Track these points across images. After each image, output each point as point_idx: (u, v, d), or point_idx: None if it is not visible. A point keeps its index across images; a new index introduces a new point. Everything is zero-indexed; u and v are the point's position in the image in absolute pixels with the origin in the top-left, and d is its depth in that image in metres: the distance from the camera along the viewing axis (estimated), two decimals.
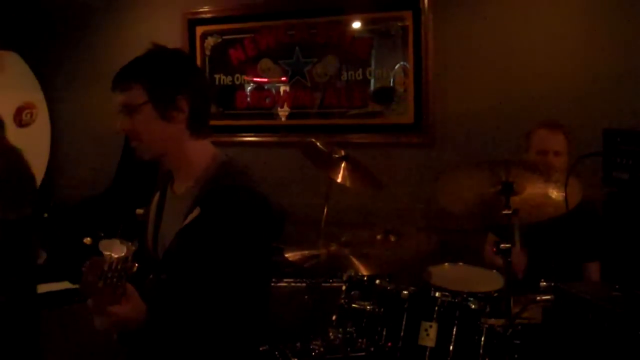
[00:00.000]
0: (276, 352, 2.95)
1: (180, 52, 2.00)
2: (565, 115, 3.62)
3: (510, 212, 2.57)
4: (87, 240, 4.08)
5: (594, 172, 2.11)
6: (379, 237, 3.21)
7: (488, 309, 2.64)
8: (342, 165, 3.25)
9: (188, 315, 1.73)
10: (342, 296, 2.94)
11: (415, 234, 3.36)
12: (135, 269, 1.58)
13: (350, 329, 2.82)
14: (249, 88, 4.76)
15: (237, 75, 4.76)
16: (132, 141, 1.88)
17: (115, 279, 1.53)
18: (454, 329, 2.60)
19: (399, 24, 4.28)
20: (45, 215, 4.70)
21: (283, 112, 4.69)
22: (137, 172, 4.46)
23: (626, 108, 3.66)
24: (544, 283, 2.61)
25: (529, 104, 3.89)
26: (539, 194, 2.64)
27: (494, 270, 3.05)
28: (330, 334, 2.83)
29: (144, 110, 1.83)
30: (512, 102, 3.96)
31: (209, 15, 4.77)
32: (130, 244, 1.55)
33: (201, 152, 1.92)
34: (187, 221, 1.81)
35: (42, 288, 3.57)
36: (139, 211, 3.98)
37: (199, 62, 4.74)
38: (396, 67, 4.32)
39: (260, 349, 2.58)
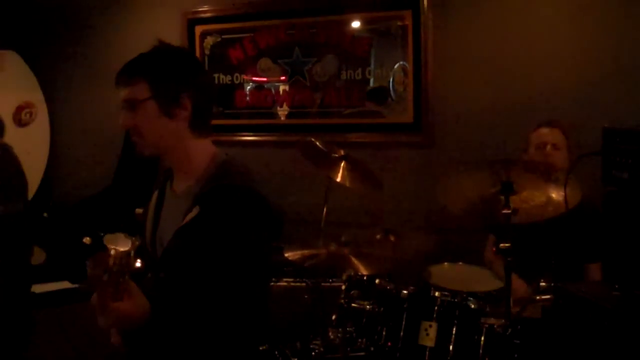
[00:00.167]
0: (276, 352, 2.95)
1: (185, 50, 2.00)
2: (565, 114, 3.62)
3: (509, 211, 2.57)
4: (87, 239, 4.08)
5: (594, 171, 2.11)
6: (378, 236, 3.21)
7: (488, 309, 2.64)
8: (342, 164, 3.25)
9: (187, 314, 1.73)
10: (342, 296, 2.93)
11: (415, 233, 3.37)
12: (139, 264, 1.57)
13: (350, 329, 2.81)
14: (249, 87, 4.76)
15: (237, 74, 4.76)
16: (134, 137, 1.88)
17: (118, 273, 1.53)
18: (454, 329, 2.60)
19: (399, 23, 4.27)
20: (45, 214, 4.71)
21: (282, 111, 4.69)
22: (136, 171, 4.46)
23: (626, 107, 3.66)
24: (544, 283, 2.62)
25: (528, 103, 3.89)
26: (539, 194, 2.64)
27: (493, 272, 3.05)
28: (330, 333, 2.83)
29: (146, 106, 1.83)
30: (511, 101, 3.96)
31: (208, 15, 4.77)
32: (134, 238, 1.55)
33: (202, 151, 1.93)
34: (186, 220, 1.81)
35: (42, 288, 3.58)
36: (139, 210, 3.99)
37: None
38: (396, 66, 4.32)
39: (260, 348, 2.57)
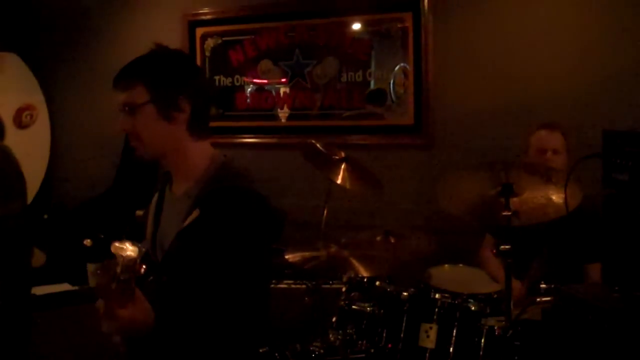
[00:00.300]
0: (276, 354, 2.95)
1: (182, 53, 2.00)
2: (565, 116, 3.62)
3: (510, 213, 2.56)
4: (87, 241, 4.09)
5: (594, 173, 2.11)
6: (379, 238, 3.21)
7: (488, 311, 2.64)
8: (342, 166, 3.25)
9: (189, 317, 1.73)
10: (342, 298, 2.94)
11: (415, 235, 3.36)
12: (142, 270, 1.58)
13: (351, 331, 2.82)
14: (249, 89, 4.76)
15: (237, 76, 4.76)
16: (133, 141, 1.88)
17: (126, 281, 1.53)
18: (454, 331, 2.60)
19: (399, 25, 4.28)
20: (45, 216, 4.71)
21: (283, 113, 4.69)
22: (137, 173, 4.47)
23: (626, 109, 3.66)
24: (544, 285, 2.62)
25: (529, 105, 3.89)
26: (539, 196, 2.64)
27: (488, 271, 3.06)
28: (330, 335, 2.83)
29: (145, 110, 1.82)
30: (512, 103, 3.96)
31: (209, 17, 4.77)
32: (140, 245, 1.56)
33: (201, 153, 1.92)
34: (186, 223, 1.81)
35: (42, 290, 3.57)
36: (139, 212, 4.00)
37: (199, 63, 4.73)
38: (396, 68, 4.32)
39: (260, 350, 2.58)
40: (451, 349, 2.58)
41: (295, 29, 4.55)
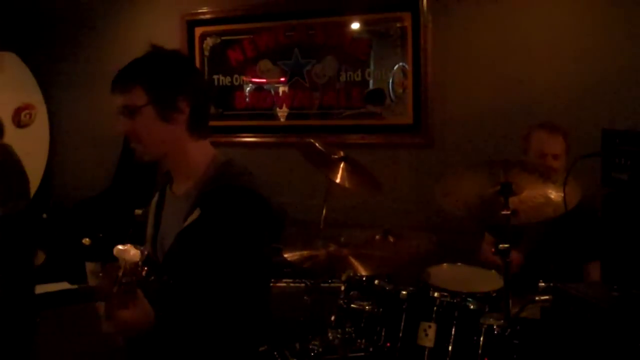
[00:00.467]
0: (275, 353, 2.95)
1: (179, 54, 2.00)
2: (564, 115, 3.63)
3: (509, 212, 2.56)
4: (86, 241, 4.09)
5: (593, 172, 2.11)
6: (377, 237, 3.21)
7: (487, 309, 2.64)
8: (341, 165, 3.25)
9: (190, 316, 1.73)
10: (341, 296, 2.93)
11: (414, 234, 3.36)
12: (144, 273, 1.58)
13: (349, 329, 2.81)
14: (248, 89, 4.77)
15: (236, 76, 4.76)
16: (133, 143, 1.88)
17: (128, 284, 1.54)
18: (453, 329, 2.60)
19: (398, 25, 4.28)
20: (44, 215, 4.71)
21: (282, 112, 4.69)
22: (136, 173, 4.48)
23: (625, 108, 3.67)
24: (543, 283, 2.62)
25: (527, 104, 3.89)
26: (538, 195, 2.64)
27: (493, 271, 3.05)
28: (329, 334, 2.82)
29: (144, 112, 1.83)
30: (511, 102, 3.97)
31: (208, 16, 4.78)
32: (142, 248, 1.56)
33: (201, 153, 1.93)
34: (187, 222, 1.81)
35: (41, 288, 3.57)
36: (138, 212, 4.00)
37: (198, 63, 4.74)
38: (395, 68, 4.33)
39: (260, 349, 2.57)
40: (450, 348, 2.58)
41: (294, 28, 4.56)
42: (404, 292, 2.72)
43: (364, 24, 4.40)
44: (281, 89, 4.67)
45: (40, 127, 5.24)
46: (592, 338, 1.96)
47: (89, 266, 3.99)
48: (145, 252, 1.57)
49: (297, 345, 3.00)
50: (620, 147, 1.95)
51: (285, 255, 2.99)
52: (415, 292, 2.73)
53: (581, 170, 2.25)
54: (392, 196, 4.16)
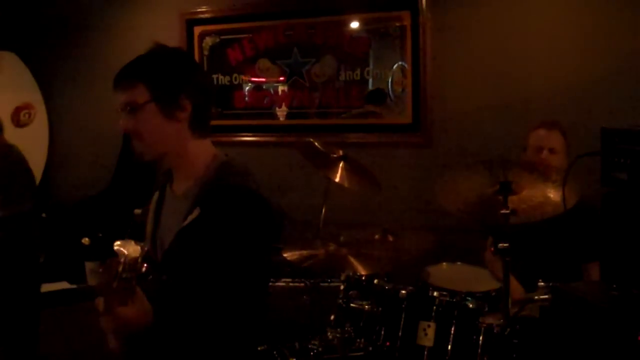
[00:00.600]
0: (275, 352, 2.95)
1: (181, 51, 2.00)
2: (563, 114, 3.62)
3: (508, 211, 2.56)
4: (85, 240, 4.09)
5: (593, 171, 2.11)
6: (377, 236, 3.21)
7: (486, 309, 2.64)
8: (341, 165, 3.25)
9: (188, 315, 1.73)
10: (341, 296, 2.94)
11: (414, 233, 3.37)
12: (144, 269, 1.58)
13: (349, 329, 2.82)
14: (247, 88, 4.77)
15: (235, 75, 4.76)
16: (134, 141, 1.87)
17: (127, 280, 1.54)
18: (452, 329, 2.60)
19: (397, 24, 4.28)
20: (43, 215, 4.70)
21: (281, 112, 4.69)
22: (135, 172, 4.47)
23: (625, 107, 3.67)
24: (542, 283, 2.62)
25: (527, 104, 3.90)
26: (537, 194, 2.64)
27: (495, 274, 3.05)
28: (329, 333, 2.83)
29: (147, 109, 1.82)
30: (510, 101, 3.97)
31: (207, 16, 4.77)
32: (142, 244, 1.56)
33: (202, 151, 1.92)
34: (187, 221, 1.81)
35: (41, 288, 3.57)
36: (137, 211, 4.00)
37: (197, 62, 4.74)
38: (394, 67, 4.33)
39: (259, 348, 2.58)
40: (449, 347, 2.58)
41: (293, 27, 4.55)
42: (403, 292, 2.72)
43: (363, 23, 4.40)
44: (280, 88, 4.67)
45: (40, 126, 5.23)
46: (591, 337, 1.96)
47: (89, 266, 3.99)
48: (145, 248, 1.56)
49: (297, 345, 3.00)
50: (620, 146, 1.94)
51: (285, 255, 2.99)
52: (415, 291, 2.74)
53: (580, 170, 2.25)
54: (391, 195, 4.16)
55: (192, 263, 1.77)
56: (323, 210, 3.32)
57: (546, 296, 2.49)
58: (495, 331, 2.54)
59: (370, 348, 2.75)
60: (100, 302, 1.59)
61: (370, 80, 4.41)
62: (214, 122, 1.98)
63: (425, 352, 2.60)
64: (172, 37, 4.66)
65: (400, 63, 4.30)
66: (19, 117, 5.10)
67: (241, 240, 1.77)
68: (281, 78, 4.65)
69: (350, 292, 2.94)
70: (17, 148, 3.07)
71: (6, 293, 2.95)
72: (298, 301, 3.33)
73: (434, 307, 2.64)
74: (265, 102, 4.71)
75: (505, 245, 2.51)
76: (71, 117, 5.32)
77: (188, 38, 4.80)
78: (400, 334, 2.67)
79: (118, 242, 1.54)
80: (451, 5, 4.12)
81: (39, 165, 5.13)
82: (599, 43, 3.78)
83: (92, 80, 5.04)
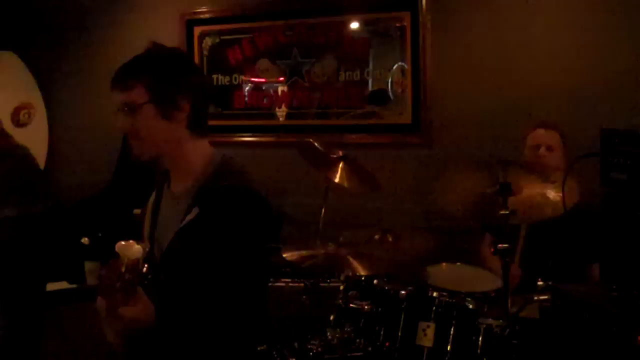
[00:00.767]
0: (274, 352, 2.95)
1: (179, 51, 2.00)
2: (563, 115, 3.63)
3: (507, 212, 2.57)
4: (85, 240, 4.09)
5: (592, 172, 2.11)
6: (376, 237, 3.21)
7: (486, 309, 2.64)
8: (340, 165, 3.26)
9: (187, 315, 1.73)
10: (340, 296, 2.94)
11: (413, 234, 3.37)
12: (145, 270, 1.59)
13: (348, 329, 2.82)
14: (247, 88, 4.76)
15: (235, 75, 4.76)
16: (132, 140, 1.87)
17: (130, 280, 1.54)
18: (452, 329, 2.60)
19: (397, 24, 4.28)
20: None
21: (281, 112, 4.69)
22: (135, 172, 4.46)
23: (624, 108, 3.67)
24: (541, 283, 2.62)
25: (527, 104, 3.89)
26: (537, 195, 2.64)
27: (490, 270, 3.05)
28: (328, 333, 2.83)
29: (145, 109, 1.82)
30: (509, 102, 3.97)
31: (207, 16, 4.77)
32: (144, 245, 1.57)
33: (200, 151, 1.92)
34: (185, 221, 1.81)
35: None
36: (137, 211, 3.99)
37: (197, 62, 4.73)
38: (394, 67, 4.33)
39: (258, 348, 2.57)
40: (449, 348, 2.58)
41: (293, 27, 4.55)
42: (402, 292, 2.72)
43: (363, 23, 4.40)
44: (280, 89, 4.66)
45: (39, 126, 5.23)
46: (590, 338, 1.96)
47: (88, 265, 3.99)
48: (147, 249, 1.57)
49: (296, 345, 3.00)
50: (619, 147, 1.95)
51: (284, 255, 2.99)
52: (414, 291, 2.74)
53: (580, 171, 2.26)
54: (390, 196, 4.16)
55: (191, 263, 1.77)
56: (323, 211, 3.33)
57: (546, 296, 2.49)
58: (494, 331, 2.54)
59: (370, 348, 2.75)
60: (101, 303, 1.59)
61: (370, 81, 4.41)
62: (214, 123, 1.99)
63: (425, 353, 2.60)
64: (172, 37, 4.66)
65: (400, 63, 4.30)
66: (19, 116, 5.09)
67: (240, 240, 1.77)
68: (281, 78, 4.65)
69: (350, 292, 2.94)
70: (28, 150, 3.10)
71: (13, 293, 2.97)
72: (297, 301, 3.32)
73: (434, 308, 2.64)
74: (265, 102, 4.71)
75: (505, 245, 2.51)
76: (71, 117, 5.31)
77: (188, 38, 4.79)
78: (399, 334, 2.67)
79: (120, 243, 1.54)
80: (451, 6, 4.12)
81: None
82: (599, 44, 3.78)
83: (92, 79, 5.03)
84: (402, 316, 2.68)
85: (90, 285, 3.94)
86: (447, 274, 3.11)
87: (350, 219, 4.23)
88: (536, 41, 3.91)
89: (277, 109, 4.70)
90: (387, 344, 2.71)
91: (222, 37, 4.77)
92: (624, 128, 2.00)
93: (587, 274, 3.07)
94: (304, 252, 3.03)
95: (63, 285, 3.94)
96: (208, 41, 4.80)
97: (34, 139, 5.13)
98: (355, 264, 2.93)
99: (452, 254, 3.37)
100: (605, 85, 3.74)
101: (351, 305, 2.87)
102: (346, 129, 4.46)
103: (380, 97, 4.37)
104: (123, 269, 1.53)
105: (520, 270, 3.00)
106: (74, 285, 3.98)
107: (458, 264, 3.28)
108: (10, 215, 2.86)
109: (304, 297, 3.30)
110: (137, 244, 1.56)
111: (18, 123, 5.05)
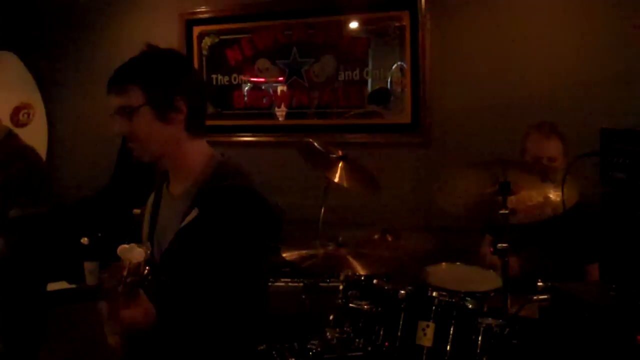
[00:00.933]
0: (274, 352, 2.95)
1: (175, 52, 1.99)
2: (562, 114, 3.62)
3: (507, 212, 2.57)
4: (84, 240, 4.08)
5: (592, 172, 2.11)
6: (376, 236, 3.21)
7: (485, 309, 2.64)
8: (340, 165, 3.25)
9: (188, 316, 1.73)
10: (340, 296, 2.93)
11: (413, 233, 3.37)
12: (146, 272, 1.59)
13: (348, 329, 2.82)
14: (246, 88, 4.76)
15: (234, 75, 4.76)
16: (130, 143, 1.87)
17: (132, 284, 1.54)
18: (451, 329, 2.60)
19: (396, 24, 4.28)
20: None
21: (280, 112, 4.69)
22: (134, 172, 4.46)
23: (624, 108, 3.66)
24: (541, 283, 2.62)
25: (526, 104, 3.89)
26: (536, 194, 2.64)
27: (491, 270, 3.05)
28: (328, 333, 2.83)
29: (142, 112, 1.82)
30: (509, 102, 3.97)
31: (206, 16, 4.77)
32: (145, 247, 1.56)
33: (199, 152, 1.92)
34: (185, 222, 1.81)
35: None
36: (136, 211, 4.00)
37: (196, 62, 4.74)
38: (393, 67, 4.33)
39: (258, 348, 2.57)
40: (448, 347, 2.58)
41: (292, 27, 4.55)
42: (402, 292, 2.72)
43: (362, 23, 4.40)
44: (279, 88, 4.66)
45: (39, 126, 5.23)
46: (590, 337, 1.96)
47: (88, 266, 3.99)
48: (149, 252, 1.57)
49: (296, 345, 3.00)
50: (619, 147, 1.95)
51: (284, 255, 2.99)
52: (414, 291, 2.74)
53: (579, 170, 2.26)
54: (390, 195, 4.15)
55: (192, 264, 1.77)
56: (322, 210, 3.32)
57: (545, 296, 2.49)
58: (494, 331, 2.54)
59: (369, 348, 2.75)
60: (104, 306, 1.59)
61: (370, 80, 4.41)
62: (213, 123, 1.99)
63: (424, 352, 2.59)
64: (171, 37, 4.65)
65: (399, 63, 4.30)
66: (18, 116, 5.09)
67: (240, 240, 1.77)
68: (280, 78, 4.65)
69: (350, 292, 2.94)
70: (34, 149, 3.11)
71: (14, 293, 2.98)
72: (297, 301, 3.32)
73: (433, 307, 2.64)
74: (264, 102, 4.71)
75: (504, 245, 2.52)
76: (70, 117, 5.31)
77: (187, 38, 4.79)
78: (399, 334, 2.67)
79: (123, 246, 1.54)
80: (450, 5, 4.12)
81: None
82: (598, 43, 3.77)
83: (91, 79, 5.03)
84: (402, 316, 2.68)
85: (89, 285, 3.94)
86: (446, 274, 3.11)
87: (350, 218, 4.23)
88: (536, 40, 3.91)
89: (276, 109, 4.70)
90: (386, 343, 2.71)
91: (221, 37, 4.77)
92: (624, 127, 2.00)
93: (585, 273, 3.07)
94: (303, 252, 3.02)
95: (62, 285, 3.94)
96: (207, 41, 4.80)
97: (34, 139, 5.09)
98: (355, 263, 2.92)
99: (451, 253, 3.36)
100: (605, 84, 3.74)
101: (351, 305, 2.87)
102: (345, 128, 4.46)
103: (381, 95, 4.37)
104: (125, 273, 1.53)
105: (520, 260, 2.99)
106: (73, 285, 3.98)
107: (458, 263, 3.28)
108: (17, 215, 2.88)
109: (303, 296, 3.29)
110: (139, 246, 1.56)
111: (18, 123, 5.05)
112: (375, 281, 2.91)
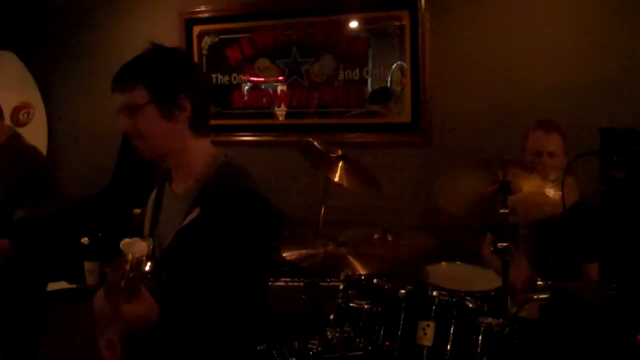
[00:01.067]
0: (274, 352, 2.94)
1: (179, 51, 2.00)
2: (562, 114, 3.62)
3: (507, 211, 2.56)
4: (85, 240, 4.09)
5: (591, 171, 2.11)
6: (376, 236, 3.21)
7: (486, 308, 2.64)
8: (340, 164, 3.26)
9: (188, 314, 1.73)
10: (340, 295, 2.93)
11: (413, 233, 3.37)
12: (149, 267, 1.58)
13: (348, 328, 2.81)
14: (246, 87, 4.76)
15: (234, 74, 4.76)
16: (135, 140, 1.87)
17: (134, 278, 1.54)
18: (452, 328, 2.60)
19: (396, 23, 4.28)
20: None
21: (280, 111, 4.69)
22: (134, 171, 4.47)
23: (623, 107, 3.67)
24: (541, 282, 2.62)
25: (526, 103, 3.89)
26: (536, 193, 2.64)
27: (492, 269, 3.05)
28: (328, 333, 2.82)
29: (146, 110, 1.82)
30: (509, 101, 3.97)
31: (206, 15, 4.77)
32: (148, 242, 1.56)
33: (202, 151, 1.93)
34: (186, 221, 1.81)
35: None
36: (136, 211, 4.00)
37: (195, 61, 4.73)
38: (393, 66, 4.33)
39: (258, 348, 2.57)
40: (449, 347, 2.58)
41: (292, 27, 4.55)
42: (402, 291, 2.72)
43: (362, 22, 4.40)
44: (279, 88, 4.67)
45: (39, 126, 5.23)
46: (590, 337, 1.96)
47: (88, 266, 3.99)
48: (151, 246, 1.57)
49: (296, 344, 2.99)
50: (618, 146, 1.95)
51: (284, 254, 2.99)
52: (414, 291, 2.74)
53: (579, 169, 2.26)
54: (390, 195, 4.15)
55: (192, 263, 1.77)
56: (322, 210, 3.33)
57: (545, 295, 2.49)
58: (494, 331, 2.54)
59: (370, 347, 2.75)
60: (103, 301, 1.58)
61: (370, 80, 4.41)
62: (213, 122, 1.99)
63: (425, 352, 2.59)
64: (171, 37, 4.66)
65: (399, 62, 4.30)
66: (18, 116, 5.09)
67: (241, 240, 1.77)
68: (280, 77, 4.65)
69: (350, 291, 2.94)
70: (40, 150, 3.11)
71: (15, 293, 2.99)
72: (297, 301, 3.32)
73: (434, 307, 2.64)
74: (264, 101, 4.71)
75: (504, 245, 2.51)
76: (70, 117, 5.31)
77: (187, 37, 4.79)
78: (399, 333, 2.67)
79: (126, 240, 1.54)
80: (450, 5, 4.12)
81: None
82: (598, 43, 3.77)
83: (91, 79, 5.03)
84: (402, 315, 2.68)
85: (89, 285, 3.95)
86: (446, 273, 3.10)
87: (350, 218, 4.22)
88: (536, 40, 3.91)
89: (276, 108, 4.70)
90: (387, 343, 2.71)
91: (221, 37, 4.77)
92: (623, 127, 2.00)
93: (584, 273, 3.07)
94: (303, 252, 3.03)
95: (62, 285, 3.94)
96: (207, 40, 4.80)
97: (33, 138, 5.08)
98: (355, 263, 2.93)
99: (451, 253, 3.36)
100: (605, 84, 3.74)
101: (351, 304, 2.87)
102: (345, 128, 4.46)
103: (382, 94, 4.37)
104: (128, 267, 1.52)
105: (532, 272, 2.98)
106: (73, 285, 3.98)
107: (458, 263, 3.28)
108: (22, 217, 2.88)
109: (303, 296, 3.30)
110: (142, 240, 1.56)
111: (17, 123, 5.05)
112: (375, 281, 2.90)
